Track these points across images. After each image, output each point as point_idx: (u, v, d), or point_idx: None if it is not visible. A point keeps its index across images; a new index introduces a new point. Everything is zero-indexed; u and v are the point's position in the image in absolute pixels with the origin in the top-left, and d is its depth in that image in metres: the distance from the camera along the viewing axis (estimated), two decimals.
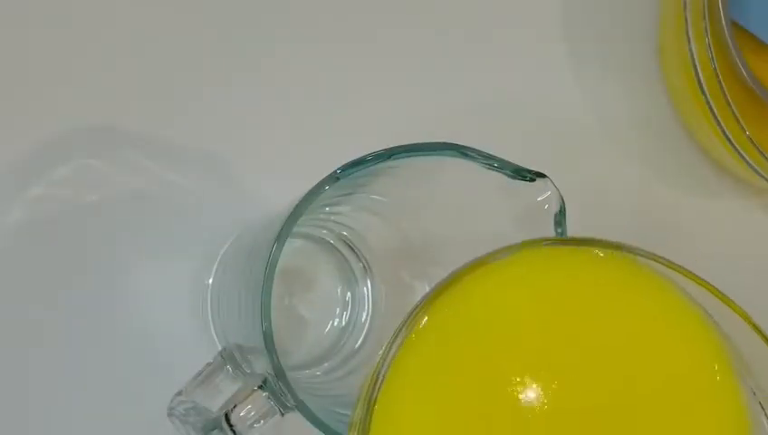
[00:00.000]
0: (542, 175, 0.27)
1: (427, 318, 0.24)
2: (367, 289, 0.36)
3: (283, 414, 0.26)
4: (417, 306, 0.25)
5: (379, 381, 0.24)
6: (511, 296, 0.25)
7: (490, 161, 0.26)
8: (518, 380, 0.24)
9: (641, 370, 0.24)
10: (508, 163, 0.27)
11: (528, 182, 0.27)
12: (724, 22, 0.35)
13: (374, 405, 0.24)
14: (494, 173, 0.27)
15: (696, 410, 0.25)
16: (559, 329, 0.25)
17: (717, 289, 0.25)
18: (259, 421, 0.26)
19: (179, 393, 0.28)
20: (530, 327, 0.25)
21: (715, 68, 0.36)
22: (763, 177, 0.37)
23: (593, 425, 0.24)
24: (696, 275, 0.25)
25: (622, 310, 0.25)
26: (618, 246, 0.25)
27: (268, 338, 0.25)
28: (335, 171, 0.26)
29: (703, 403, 0.25)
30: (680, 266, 0.25)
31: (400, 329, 0.25)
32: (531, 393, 0.24)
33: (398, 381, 0.24)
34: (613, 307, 0.25)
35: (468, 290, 0.25)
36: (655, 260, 0.25)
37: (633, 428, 0.24)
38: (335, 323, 0.36)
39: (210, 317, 0.36)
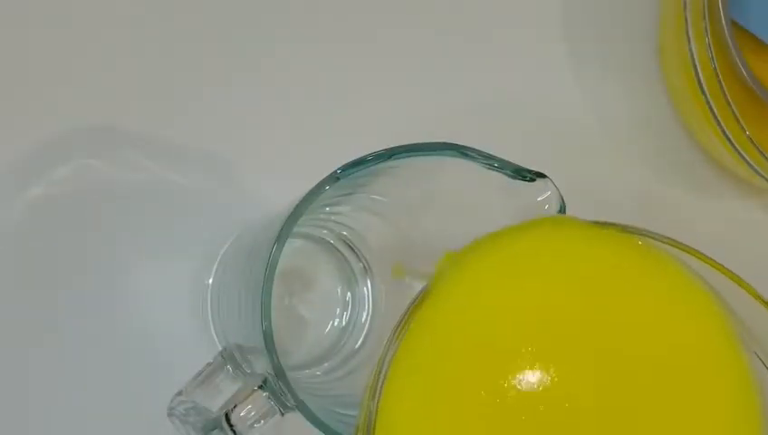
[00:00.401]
0: (542, 175, 0.27)
1: (420, 315, 0.24)
2: (367, 289, 0.36)
3: (283, 414, 0.26)
4: (412, 303, 0.25)
5: (380, 383, 0.24)
6: (508, 282, 0.25)
7: (490, 161, 0.26)
8: (523, 367, 0.24)
9: (647, 346, 0.24)
10: (508, 163, 0.27)
11: (528, 182, 0.27)
12: (724, 22, 0.35)
13: (377, 408, 0.24)
14: (495, 173, 0.27)
15: (704, 377, 0.25)
16: (560, 311, 0.24)
17: (718, 263, 0.25)
18: (259, 421, 0.26)
19: (179, 393, 0.28)
20: (531, 311, 0.25)
21: (715, 68, 0.36)
22: (763, 177, 0.37)
23: (602, 406, 0.24)
24: (696, 250, 0.25)
25: (625, 288, 0.25)
26: (621, 227, 0.25)
27: (268, 338, 0.25)
28: (335, 171, 0.26)
29: (709, 369, 0.25)
30: (678, 242, 0.25)
31: (397, 328, 0.25)
32: (538, 378, 0.23)
33: (398, 382, 0.24)
34: (616, 285, 0.25)
35: (459, 282, 0.25)
36: (655, 239, 0.25)
37: (642, 406, 0.24)
38: (335, 324, 0.36)
39: (210, 317, 0.36)
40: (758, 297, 0.25)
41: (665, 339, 0.25)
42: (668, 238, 0.25)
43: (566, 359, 0.24)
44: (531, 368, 0.24)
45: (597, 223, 0.26)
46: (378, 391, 0.24)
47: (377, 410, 0.24)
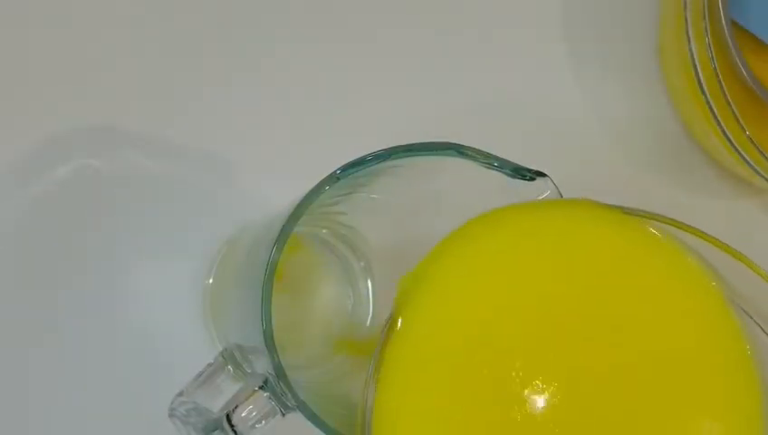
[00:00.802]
0: (541, 174, 0.27)
1: (409, 311, 0.24)
2: (367, 289, 0.36)
3: (284, 414, 0.26)
4: (384, 331, 0.25)
5: (372, 384, 0.24)
6: (497, 267, 0.25)
7: (490, 160, 0.26)
8: (520, 352, 0.24)
9: (645, 325, 0.25)
10: (508, 162, 0.27)
11: (528, 181, 0.27)
12: (724, 22, 0.35)
13: (372, 408, 0.24)
14: (494, 172, 0.27)
15: (703, 352, 0.25)
16: (551, 293, 0.25)
17: (716, 239, 0.25)
18: (260, 422, 0.26)
19: (180, 394, 0.28)
20: (510, 306, 0.25)
21: (715, 68, 0.36)
22: (763, 177, 0.37)
23: (604, 385, 0.24)
24: (693, 227, 0.25)
25: (619, 266, 0.25)
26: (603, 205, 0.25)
27: (269, 338, 0.25)
28: (335, 171, 0.26)
29: (707, 343, 0.25)
30: (675, 220, 0.25)
31: (373, 364, 0.25)
32: (530, 380, 0.23)
33: (388, 380, 0.24)
34: (610, 265, 0.25)
35: (447, 271, 0.25)
36: (650, 218, 0.25)
37: (643, 393, 0.24)
38: (336, 323, 0.36)
39: (210, 317, 0.36)
40: (756, 269, 0.25)
41: (663, 315, 0.25)
42: (663, 217, 0.25)
43: (557, 357, 0.24)
44: (521, 370, 0.24)
45: (573, 200, 0.26)
46: (370, 394, 0.24)
47: (372, 412, 0.24)
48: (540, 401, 0.23)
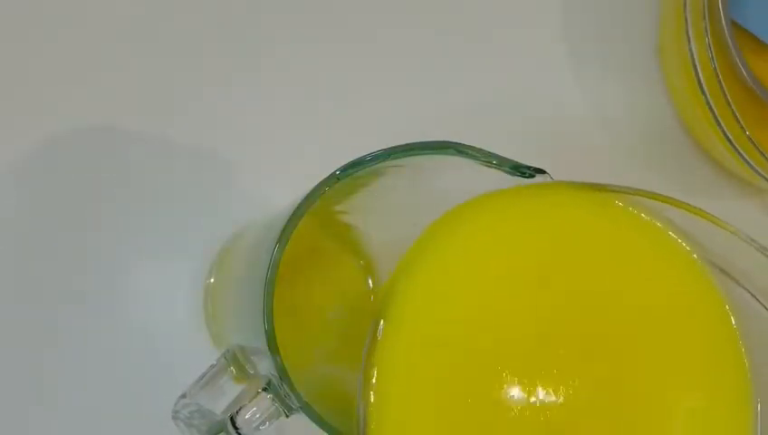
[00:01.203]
0: (541, 171, 0.27)
1: (390, 311, 0.25)
2: (368, 288, 0.36)
3: (287, 416, 0.26)
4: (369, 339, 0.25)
5: (361, 385, 0.24)
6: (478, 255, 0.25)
7: (489, 159, 0.26)
8: (508, 335, 0.24)
9: (626, 294, 0.25)
10: (507, 160, 0.27)
11: (527, 178, 0.27)
12: (724, 22, 0.35)
13: (368, 407, 0.24)
14: (494, 170, 0.27)
15: (685, 319, 0.25)
16: (534, 278, 0.25)
17: (695, 207, 0.25)
18: (264, 423, 0.26)
19: (183, 396, 0.28)
20: (505, 282, 0.25)
21: (715, 68, 0.36)
22: (763, 177, 0.37)
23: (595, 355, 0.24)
24: (672, 198, 0.25)
25: (602, 245, 0.25)
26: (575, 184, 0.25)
27: (271, 340, 0.25)
28: (335, 171, 0.26)
29: (687, 309, 0.25)
30: (651, 192, 0.25)
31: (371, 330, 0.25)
32: (522, 378, 0.24)
33: (377, 382, 0.24)
34: (593, 245, 0.25)
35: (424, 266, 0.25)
36: (628, 193, 0.25)
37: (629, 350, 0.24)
38: (338, 323, 0.36)
39: (211, 317, 0.36)
40: (735, 232, 0.25)
41: (645, 292, 0.25)
42: (647, 191, 0.25)
43: (549, 347, 0.24)
44: (509, 360, 0.24)
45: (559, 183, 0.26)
46: (365, 394, 0.24)
47: (368, 412, 0.24)
48: (530, 392, 0.23)
